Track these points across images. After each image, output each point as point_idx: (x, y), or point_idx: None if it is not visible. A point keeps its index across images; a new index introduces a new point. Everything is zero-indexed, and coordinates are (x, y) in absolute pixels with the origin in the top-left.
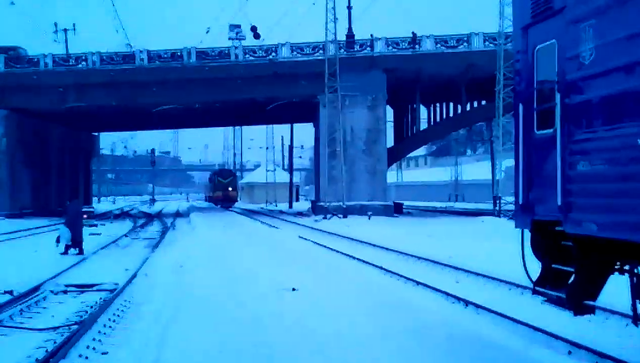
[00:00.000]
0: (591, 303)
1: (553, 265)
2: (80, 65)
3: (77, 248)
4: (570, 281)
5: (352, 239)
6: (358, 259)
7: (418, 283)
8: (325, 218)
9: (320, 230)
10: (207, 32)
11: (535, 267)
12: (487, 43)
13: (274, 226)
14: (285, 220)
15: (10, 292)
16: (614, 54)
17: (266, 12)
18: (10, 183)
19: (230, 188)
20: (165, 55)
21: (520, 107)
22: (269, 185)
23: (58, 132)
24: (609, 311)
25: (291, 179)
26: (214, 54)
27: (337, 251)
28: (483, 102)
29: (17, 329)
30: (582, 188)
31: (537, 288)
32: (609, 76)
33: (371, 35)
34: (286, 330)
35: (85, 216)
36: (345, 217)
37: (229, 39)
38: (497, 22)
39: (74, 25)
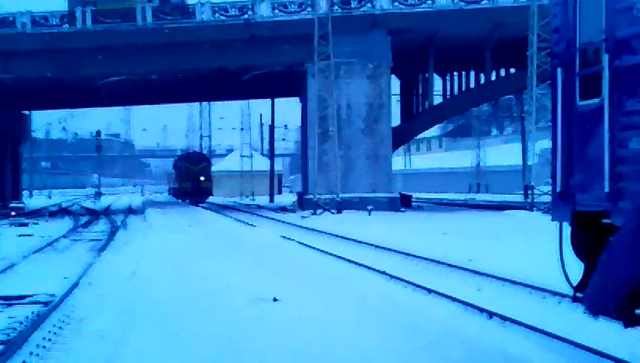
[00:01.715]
0: None
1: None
2: (6, 28)
3: None
4: None
5: (349, 239)
6: (355, 263)
7: (430, 291)
8: (314, 213)
9: (309, 228)
10: None
11: (576, 269)
12: None
13: (250, 224)
14: (265, 217)
15: None
16: None
17: None
18: None
19: (202, 178)
20: (114, 15)
21: (559, 72)
22: (244, 174)
23: None
24: None
25: (272, 167)
26: (174, 12)
27: (329, 253)
28: (512, 70)
29: None
30: (637, 170)
31: (578, 294)
32: None
33: None
34: (266, 352)
35: (13, 213)
36: (340, 212)
37: None
38: None
39: None
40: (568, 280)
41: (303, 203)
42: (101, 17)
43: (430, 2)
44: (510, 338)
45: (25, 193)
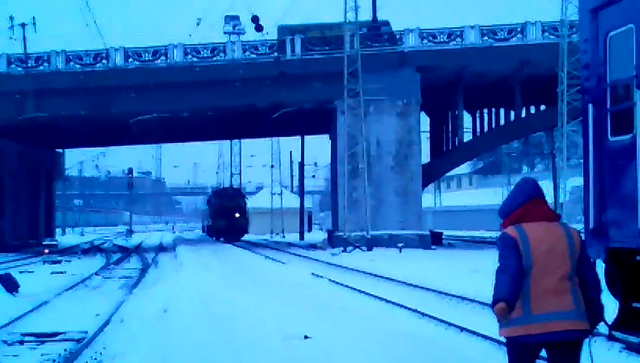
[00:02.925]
0: None
1: (634, 304)
2: (41, 67)
3: None
4: None
5: (379, 276)
6: (387, 301)
7: (462, 329)
8: (344, 251)
9: (339, 265)
10: (198, 24)
11: (611, 307)
12: (545, 34)
13: (281, 261)
14: (295, 254)
15: None
16: None
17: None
18: None
19: (237, 215)
20: (146, 54)
21: (590, 108)
22: (275, 211)
23: (13, 148)
24: None
25: (302, 204)
26: (206, 51)
27: (360, 291)
28: (542, 107)
29: None
30: None
31: (614, 332)
32: None
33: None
34: None
35: (46, 251)
36: (370, 249)
37: (225, 33)
38: (558, 7)
39: (33, 19)
40: (603, 318)
41: (333, 240)
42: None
43: (459, 39)
44: None
45: (58, 230)
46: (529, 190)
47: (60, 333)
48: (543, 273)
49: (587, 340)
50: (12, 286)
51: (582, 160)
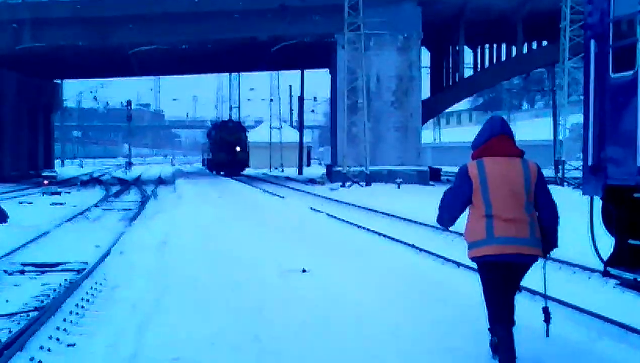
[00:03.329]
0: None
1: (630, 241)
2: None
3: None
4: None
5: (378, 212)
6: (384, 236)
7: (459, 264)
8: (343, 186)
9: (337, 200)
10: None
11: (607, 244)
12: None
13: (279, 196)
14: (294, 189)
15: None
16: None
17: None
18: None
19: (238, 148)
20: None
21: (592, 44)
22: (274, 146)
23: (11, 79)
24: None
25: (301, 139)
26: None
27: (358, 226)
28: (544, 43)
29: None
30: None
31: (609, 269)
32: None
33: None
34: (293, 322)
35: (46, 182)
36: (368, 184)
37: None
38: None
39: None
40: (598, 254)
41: (332, 175)
42: None
43: None
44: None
45: (57, 162)
46: (495, 127)
47: (60, 264)
48: (501, 203)
49: (542, 263)
50: (1, 216)
51: (582, 97)
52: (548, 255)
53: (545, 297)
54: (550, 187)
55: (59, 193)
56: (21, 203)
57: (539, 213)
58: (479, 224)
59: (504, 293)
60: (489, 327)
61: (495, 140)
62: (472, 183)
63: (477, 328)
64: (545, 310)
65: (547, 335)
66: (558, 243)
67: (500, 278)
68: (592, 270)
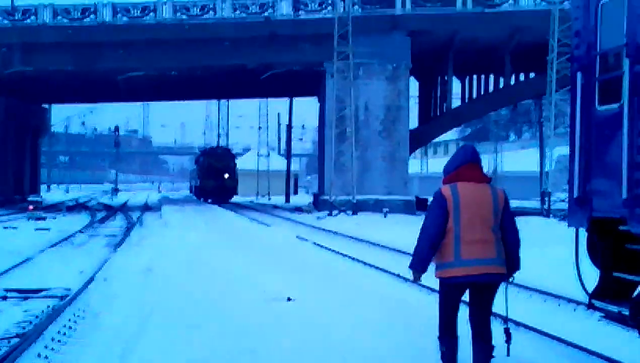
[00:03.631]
0: None
1: (615, 274)
2: (28, 21)
3: None
4: (636, 293)
5: (364, 241)
6: (370, 265)
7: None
8: (330, 214)
9: (324, 229)
10: None
11: (592, 276)
12: (537, 1)
13: (266, 224)
14: (281, 217)
15: None
16: None
17: None
18: None
19: (226, 175)
20: (135, 10)
21: (579, 76)
22: (261, 173)
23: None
24: None
25: (289, 167)
26: (195, 8)
27: (344, 255)
28: (531, 75)
29: None
30: None
31: (593, 301)
32: None
33: None
34: (278, 349)
35: (31, 207)
36: (355, 214)
37: None
38: None
39: None
40: (584, 287)
41: (319, 204)
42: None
43: (450, 7)
44: (526, 343)
45: (43, 187)
46: (467, 155)
47: (43, 290)
48: (471, 226)
49: (504, 285)
50: None
51: (568, 129)
52: (511, 279)
53: (506, 319)
54: (534, 218)
55: (44, 218)
56: (6, 228)
57: (504, 237)
58: (448, 246)
59: (455, 308)
60: (438, 335)
61: (467, 167)
62: (447, 204)
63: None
64: (507, 331)
65: (508, 354)
66: (520, 266)
67: (459, 295)
68: (578, 303)
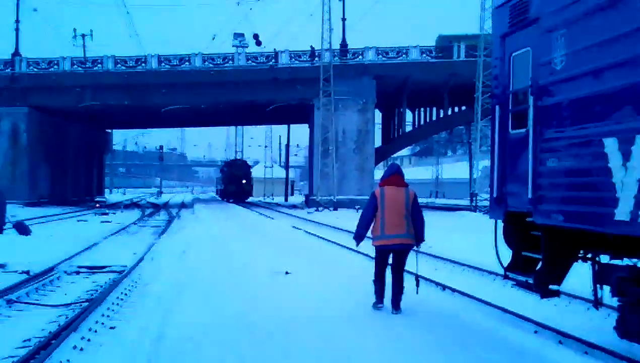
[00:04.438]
0: (556, 287)
1: (523, 253)
2: (96, 68)
3: None
4: (538, 267)
5: (341, 229)
6: (346, 247)
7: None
8: (317, 210)
9: (312, 221)
10: (213, 39)
11: (506, 255)
12: (468, 52)
13: (270, 217)
14: (281, 212)
15: (27, 272)
16: (583, 61)
17: (268, 21)
18: (29, 175)
19: (244, 181)
20: (174, 60)
21: (497, 109)
22: (267, 180)
23: (75, 128)
24: (572, 296)
25: (287, 175)
26: (219, 59)
27: (327, 240)
28: (463, 108)
29: (32, 305)
30: (551, 182)
31: (508, 273)
32: (577, 81)
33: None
34: (280, 308)
35: (97, 205)
36: (335, 209)
37: (233, 45)
38: (479, 32)
39: (91, 31)
40: (501, 262)
41: (309, 202)
42: (165, 60)
43: (404, 55)
44: (460, 304)
45: (106, 190)
46: (393, 169)
47: (106, 267)
48: (391, 213)
49: (413, 251)
50: (24, 230)
51: (489, 147)
52: (420, 246)
53: (417, 275)
54: (465, 213)
55: (107, 213)
56: (79, 221)
57: (413, 221)
58: (377, 226)
59: (384, 265)
60: (373, 279)
61: (392, 177)
62: (376, 200)
63: (412, 310)
64: (416, 279)
65: (417, 293)
66: (424, 239)
67: (385, 257)
68: (497, 274)
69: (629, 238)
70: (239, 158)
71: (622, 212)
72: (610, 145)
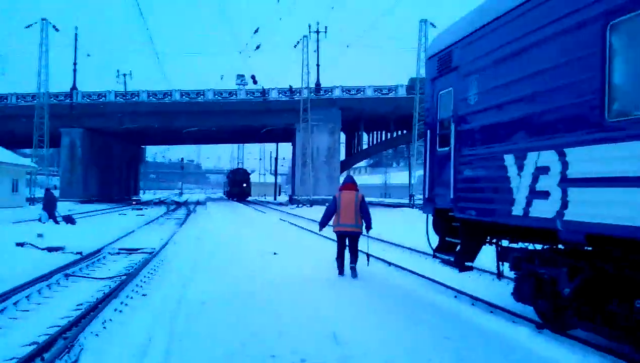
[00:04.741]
0: (470, 264)
1: (447, 238)
2: (134, 99)
3: (52, 220)
4: (457, 249)
5: (315, 221)
6: (320, 235)
7: (369, 256)
8: (298, 206)
9: (294, 214)
10: (222, 78)
11: (435, 240)
12: (409, 90)
13: (262, 211)
14: (271, 208)
15: (80, 253)
16: (489, 98)
17: (262, 65)
18: (83, 179)
19: (244, 185)
20: (193, 93)
21: (428, 133)
22: (261, 184)
23: (117, 144)
24: (482, 270)
25: (276, 180)
26: (226, 93)
27: (305, 229)
28: (404, 131)
29: (84, 278)
30: (467, 187)
31: (436, 254)
32: (486, 113)
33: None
34: (270, 279)
35: (134, 202)
36: (311, 206)
37: (236, 83)
38: (417, 76)
39: (130, 71)
40: (430, 245)
41: (292, 200)
42: (185, 93)
43: (362, 93)
44: (399, 276)
45: (141, 191)
46: (347, 179)
47: (140, 249)
48: (345, 209)
49: (363, 235)
50: (71, 221)
51: (424, 160)
52: (369, 232)
53: (367, 254)
54: (406, 209)
55: (141, 209)
56: (120, 214)
57: (361, 215)
58: (335, 217)
59: (343, 246)
60: (335, 257)
61: (347, 184)
62: (336, 201)
63: (365, 279)
64: (367, 256)
65: (368, 265)
66: (371, 228)
67: (343, 241)
68: (428, 254)
69: (522, 228)
70: (240, 167)
71: (518, 209)
72: (509, 159)
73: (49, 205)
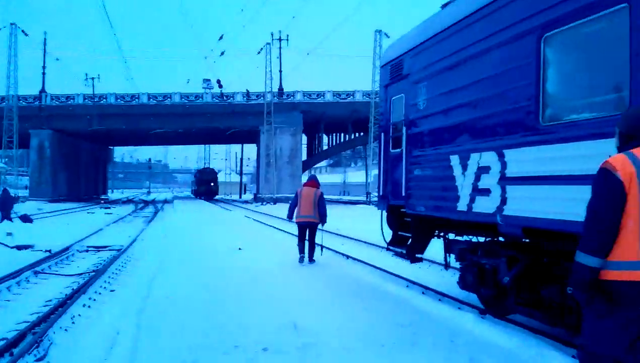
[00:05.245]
0: (420, 256)
1: (399, 232)
2: (102, 102)
3: (5, 219)
4: (408, 242)
5: (279, 218)
6: (281, 230)
7: (323, 247)
8: (262, 204)
9: (259, 212)
10: (188, 82)
11: (388, 234)
12: (365, 96)
13: (228, 209)
14: (236, 206)
15: (49, 251)
16: (437, 104)
17: (227, 70)
18: (52, 179)
19: (212, 184)
20: (160, 96)
21: (382, 135)
22: (227, 183)
23: (85, 145)
24: (431, 261)
25: (241, 180)
26: (192, 97)
27: (269, 225)
28: (361, 134)
29: (53, 275)
30: (416, 185)
31: (389, 247)
32: (433, 117)
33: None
34: (234, 272)
35: (102, 201)
36: (275, 203)
37: (202, 87)
38: (372, 82)
39: (98, 75)
40: (384, 239)
41: (256, 199)
42: (153, 96)
43: (322, 97)
44: (356, 268)
45: (109, 191)
46: (310, 178)
47: (108, 246)
48: (304, 203)
49: (319, 227)
50: (27, 220)
51: (378, 160)
52: (323, 225)
53: (322, 245)
54: (362, 205)
55: (109, 207)
56: (88, 213)
57: (318, 209)
58: (297, 210)
59: (304, 234)
60: (297, 243)
61: (309, 182)
62: (297, 196)
63: (324, 273)
64: (321, 247)
65: (321, 254)
66: (326, 221)
67: (303, 230)
68: (382, 247)
69: (467, 222)
70: (208, 166)
71: (462, 205)
72: (454, 160)
73: (5, 205)
